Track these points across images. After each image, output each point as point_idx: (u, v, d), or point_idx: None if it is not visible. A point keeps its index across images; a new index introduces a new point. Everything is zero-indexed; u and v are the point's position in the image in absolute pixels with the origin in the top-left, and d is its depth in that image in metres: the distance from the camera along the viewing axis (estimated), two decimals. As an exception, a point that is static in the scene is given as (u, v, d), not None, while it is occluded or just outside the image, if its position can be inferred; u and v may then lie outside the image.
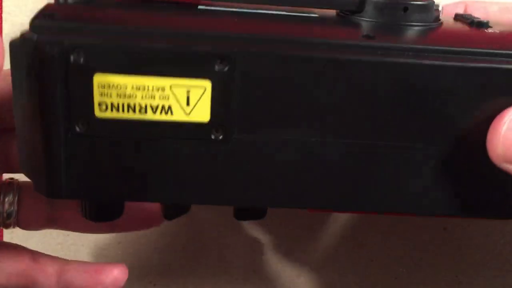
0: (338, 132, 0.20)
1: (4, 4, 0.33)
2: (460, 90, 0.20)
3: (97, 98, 0.19)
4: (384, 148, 0.20)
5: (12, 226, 0.25)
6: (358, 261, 0.38)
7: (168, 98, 0.19)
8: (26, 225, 0.26)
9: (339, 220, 0.38)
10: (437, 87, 0.20)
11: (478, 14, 0.26)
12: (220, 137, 0.20)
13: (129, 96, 0.19)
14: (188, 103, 0.19)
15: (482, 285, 0.39)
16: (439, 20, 0.23)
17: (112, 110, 0.19)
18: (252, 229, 0.37)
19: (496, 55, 0.20)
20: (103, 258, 0.37)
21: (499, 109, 0.20)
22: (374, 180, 0.21)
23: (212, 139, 0.20)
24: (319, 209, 0.23)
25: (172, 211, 0.26)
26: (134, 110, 0.19)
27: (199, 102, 0.19)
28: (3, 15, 0.33)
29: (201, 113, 0.19)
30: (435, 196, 0.21)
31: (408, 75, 0.19)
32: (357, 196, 0.21)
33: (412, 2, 0.22)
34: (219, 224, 0.37)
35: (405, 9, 0.22)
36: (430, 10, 0.22)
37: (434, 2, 0.23)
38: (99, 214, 0.24)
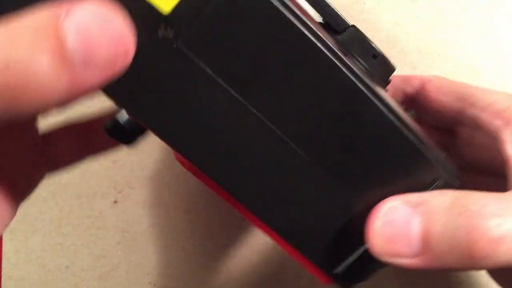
0: (267, 109, 0.19)
1: (3, 3, 0.32)
2: (385, 146, 0.20)
3: None
4: (298, 154, 0.20)
5: None
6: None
7: None
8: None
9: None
10: (372, 131, 0.20)
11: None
12: (168, 37, 0.18)
13: None
14: None
15: (482, 285, 0.39)
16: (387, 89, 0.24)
17: None
18: (252, 229, 0.37)
19: (421, 141, 0.21)
20: (103, 258, 0.37)
21: (397, 192, 0.21)
22: (271, 179, 0.20)
23: (158, 34, 0.18)
24: (210, 178, 0.21)
25: (113, 126, 0.24)
26: None
27: None
28: (3, 15, 0.33)
29: (165, 0, 0.17)
30: (313, 234, 0.21)
31: (353, 97, 0.20)
32: (246, 182, 0.20)
33: (383, 55, 0.23)
34: (219, 224, 0.37)
35: (375, 56, 0.23)
36: (390, 73, 0.23)
37: (395, 70, 0.24)
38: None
